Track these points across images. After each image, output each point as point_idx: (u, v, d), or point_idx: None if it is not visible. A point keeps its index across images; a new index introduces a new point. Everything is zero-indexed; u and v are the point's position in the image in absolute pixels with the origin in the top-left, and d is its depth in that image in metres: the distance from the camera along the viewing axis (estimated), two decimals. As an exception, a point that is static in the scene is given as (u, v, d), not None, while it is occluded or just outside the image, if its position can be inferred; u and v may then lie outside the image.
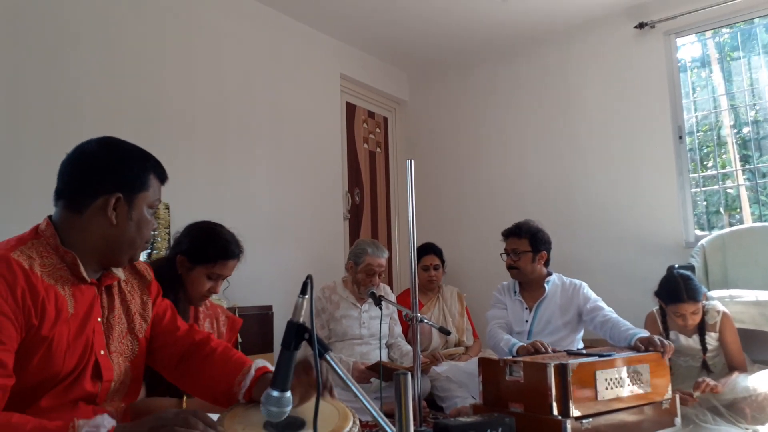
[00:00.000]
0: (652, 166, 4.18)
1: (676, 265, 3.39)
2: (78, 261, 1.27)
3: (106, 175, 1.30)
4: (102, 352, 1.29)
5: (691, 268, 3.68)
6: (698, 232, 4.09)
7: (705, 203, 4.25)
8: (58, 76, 2.88)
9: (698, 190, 4.21)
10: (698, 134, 4.29)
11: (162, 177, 1.40)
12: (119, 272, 1.39)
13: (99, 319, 1.31)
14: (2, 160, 2.65)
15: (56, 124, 2.83)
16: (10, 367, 1.12)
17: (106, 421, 1.07)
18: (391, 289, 3.97)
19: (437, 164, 5.17)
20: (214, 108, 3.62)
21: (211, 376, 1.44)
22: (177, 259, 2.02)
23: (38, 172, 2.66)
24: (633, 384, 2.43)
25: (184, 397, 1.94)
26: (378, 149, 5.24)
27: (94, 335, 1.28)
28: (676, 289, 2.79)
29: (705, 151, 4.31)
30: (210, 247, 2.01)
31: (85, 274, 1.28)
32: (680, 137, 4.18)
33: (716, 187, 4.19)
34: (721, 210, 4.21)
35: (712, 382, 2.60)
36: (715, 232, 3.85)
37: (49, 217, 1.32)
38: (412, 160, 2.58)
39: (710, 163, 4.27)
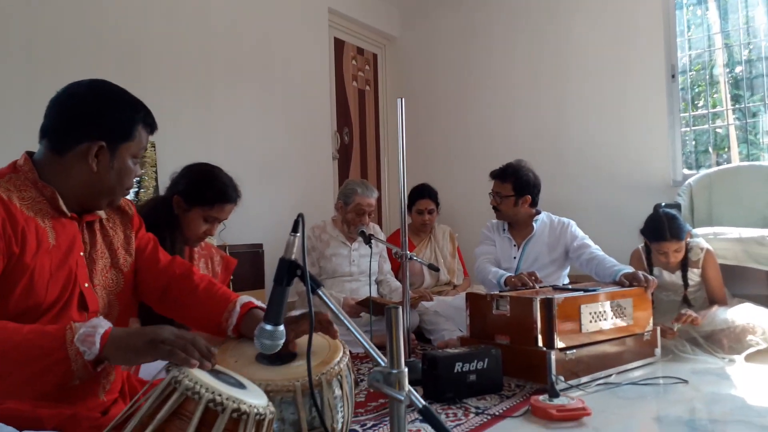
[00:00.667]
0: (644, 105, 4.16)
1: (663, 204, 3.44)
2: (57, 195, 1.27)
3: (92, 121, 1.28)
4: (86, 285, 1.31)
5: (678, 206, 3.73)
6: (686, 171, 4.13)
7: (694, 142, 4.26)
8: (40, 12, 2.76)
9: (688, 129, 4.21)
10: (690, 73, 4.25)
11: (152, 127, 1.37)
12: (100, 211, 1.39)
13: (81, 254, 1.32)
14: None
15: (37, 62, 2.75)
16: None
17: (102, 323, 1.09)
18: (381, 229, 4.00)
19: (428, 103, 5.10)
20: (200, 45, 3.52)
21: (198, 313, 1.47)
22: (174, 199, 2.01)
23: (18, 110, 2.60)
24: (616, 317, 2.51)
25: (180, 331, 1.98)
26: (367, 87, 5.15)
27: (78, 268, 1.29)
28: (660, 228, 2.85)
29: (696, 90, 4.28)
30: (208, 189, 2.00)
31: (64, 208, 1.28)
32: (673, 76, 4.14)
33: (706, 126, 4.19)
34: (710, 149, 4.23)
35: (693, 314, 2.69)
36: (703, 171, 3.88)
37: (28, 153, 1.31)
38: (403, 99, 2.54)
39: (701, 103, 4.25)
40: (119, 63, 3.02)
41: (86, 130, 1.27)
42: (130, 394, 1.40)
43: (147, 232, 1.53)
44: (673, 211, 2.99)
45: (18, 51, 2.71)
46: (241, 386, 1.13)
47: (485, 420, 1.90)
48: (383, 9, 5.14)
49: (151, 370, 1.67)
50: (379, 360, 1.07)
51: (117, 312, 1.38)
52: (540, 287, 2.76)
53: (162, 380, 1.05)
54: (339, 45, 4.80)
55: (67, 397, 1.22)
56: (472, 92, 4.92)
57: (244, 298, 1.45)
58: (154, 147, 3.10)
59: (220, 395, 1.01)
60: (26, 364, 1.06)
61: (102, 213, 1.39)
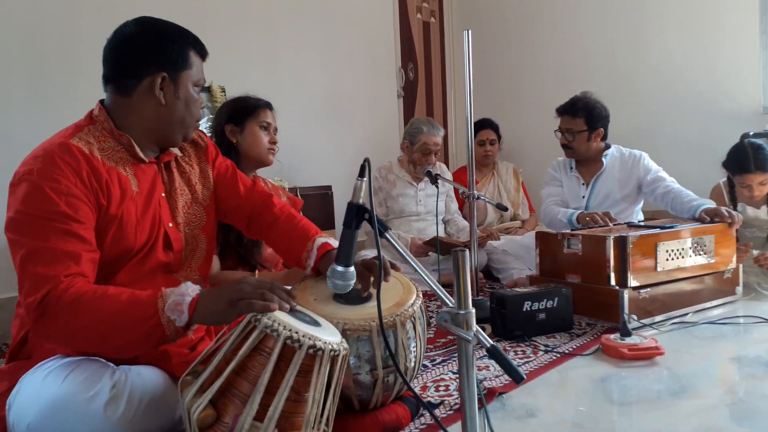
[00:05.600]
0: (732, 24, 3.80)
1: (750, 134, 3.21)
2: (133, 142, 1.32)
3: (149, 55, 1.31)
4: (170, 225, 1.38)
5: (767, 135, 3.48)
6: (779, 97, 3.79)
7: (790, 65, 3.89)
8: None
9: (784, 50, 3.84)
10: (790, -13, 3.82)
11: (202, 53, 1.39)
12: (175, 149, 1.45)
13: (162, 194, 1.38)
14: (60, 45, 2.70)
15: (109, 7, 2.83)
16: (94, 243, 1.21)
17: (191, 289, 1.16)
18: (447, 166, 3.97)
19: (496, 34, 4.88)
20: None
21: (279, 247, 1.55)
22: (226, 130, 2.16)
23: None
24: (696, 255, 2.42)
25: (256, 271, 2.08)
26: (432, 19, 4.98)
27: (161, 209, 1.36)
28: (745, 159, 2.69)
29: (796, 6, 3.86)
30: (245, 102, 2.20)
31: (141, 155, 1.34)
32: (768, -9, 3.74)
33: (805, 45, 3.80)
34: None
35: None
36: (799, 97, 3.56)
37: (101, 101, 1.36)
38: (470, 31, 2.45)
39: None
40: (186, 11, 3.05)
41: (146, 65, 1.31)
42: (215, 330, 1.50)
43: None
44: (760, 141, 2.79)
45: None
46: (317, 324, 1.19)
47: (554, 358, 1.91)
48: (447, -65, 4.89)
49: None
50: (447, 301, 1.09)
51: (205, 245, 1.46)
52: (613, 224, 2.68)
53: (243, 318, 1.12)
54: (402, -24, 4.63)
55: None
56: (542, 21, 4.66)
57: (321, 239, 1.49)
58: (224, 91, 3.16)
59: (297, 332, 1.07)
60: (124, 332, 1.13)
61: (177, 151, 1.44)
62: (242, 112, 2.17)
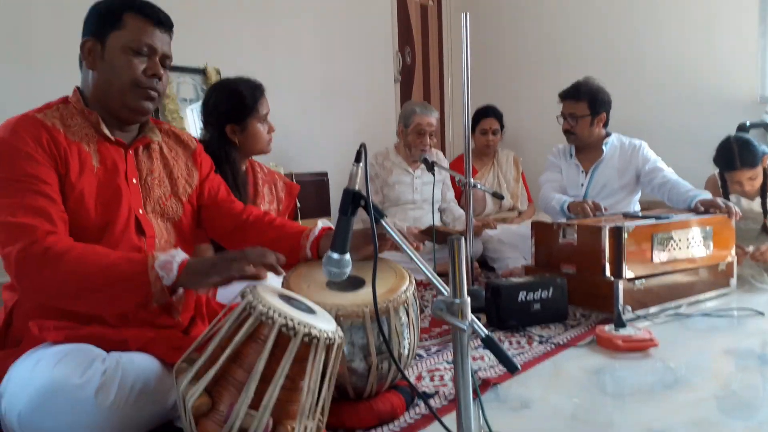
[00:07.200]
0: (730, 12, 3.77)
1: (748, 123, 3.20)
2: (100, 119, 1.33)
3: (85, 25, 1.33)
4: (140, 211, 1.37)
5: (764, 125, 3.48)
6: (776, 87, 3.78)
7: (789, 55, 3.87)
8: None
9: (783, 40, 3.82)
10: (791, -24, 3.80)
11: (148, 15, 1.33)
12: (154, 135, 1.43)
13: (134, 180, 1.37)
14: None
15: None
16: (62, 204, 1.23)
17: (181, 253, 1.19)
18: (444, 154, 3.94)
19: (495, 18, 4.83)
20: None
21: (273, 238, 1.52)
22: (227, 131, 2.05)
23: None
24: (693, 246, 2.42)
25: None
26: (430, 2, 4.92)
27: (131, 194, 1.35)
28: (730, 156, 2.70)
29: (797, -5, 3.83)
30: (243, 99, 2.05)
31: (107, 132, 1.33)
32: (768, -20, 3.71)
33: (805, 37, 3.78)
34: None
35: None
36: (796, 87, 3.55)
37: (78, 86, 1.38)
38: (467, 13, 2.42)
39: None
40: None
41: (84, 32, 1.33)
42: (209, 316, 1.49)
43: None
44: (746, 136, 2.77)
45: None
46: (312, 312, 1.18)
47: (549, 349, 1.91)
48: None
49: (227, 294, 1.76)
50: (442, 289, 1.08)
51: (174, 239, 1.44)
52: (608, 215, 2.67)
53: (238, 305, 1.11)
54: (400, -42, 4.57)
55: (146, 319, 1.31)
56: (541, 6, 4.61)
57: (321, 222, 1.54)
58: (219, 73, 3.12)
59: (292, 320, 1.06)
60: (111, 285, 1.16)
61: (155, 136, 1.43)
62: (243, 111, 2.05)
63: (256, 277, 1.17)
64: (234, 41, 3.25)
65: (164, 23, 1.35)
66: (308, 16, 3.76)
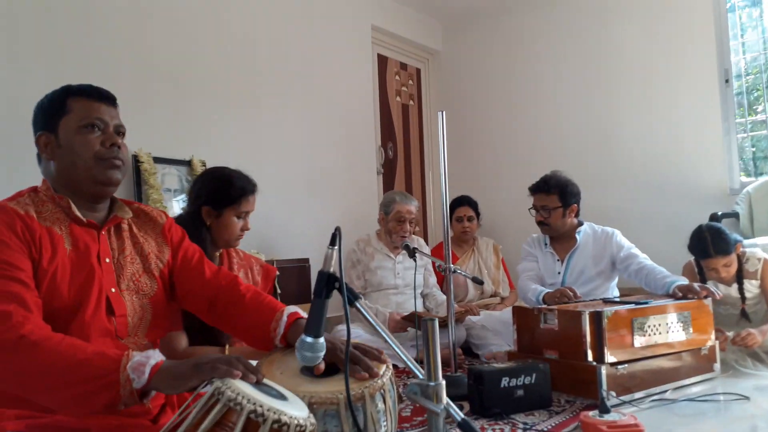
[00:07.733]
0: (696, 111, 4.02)
1: (719, 213, 3.30)
2: (71, 203, 1.35)
3: (34, 122, 1.40)
4: (113, 290, 1.36)
5: (736, 215, 3.58)
6: (744, 179, 3.95)
7: (753, 149, 4.08)
8: (93, 40, 2.90)
9: (746, 135, 4.04)
10: (747, 78, 4.09)
11: (89, 93, 1.39)
12: (124, 213, 1.45)
13: (107, 260, 1.38)
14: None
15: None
16: (36, 291, 1.23)
17: (156, 354, 1.15)
18: (426, 242, 4.00)
19: (472, 116, 5.08)
20: (246, 61, 3.61)
21: (246, 322, 1.49)
22: (203, 211, 2.08)
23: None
24: (673, 331, 2.42)
25: (227, 346, 2.03)
26: (411, 102, 5.18)
27: (103, 274, 1.35)
28: (704, 245, 2.75)
29: (755, 94, 4.11)
30: (230, 188, 2.08)
31: (78, 214, 1.35)
32: (726, 81, 3.99)
33: (765, 131, 4.00)
34: (770, 155, 4.04)
35: (752, 331, 2.57)
36: (762, 179, 3.71)
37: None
38: (444, 112, 2.55)
39: (760, 107, 4.08)
40: (166, 84, 3.11)
41: (35, 130, 1.39)
42: (178, 403, 1.43)
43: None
44: (717, 225, 2.86)
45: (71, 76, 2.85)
46: (283, 398, 1.15)
47: (532, 436, 1.86)
48: (426, 23, 5.17)
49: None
50: (417, 372, 1.07)
51: (150, 316, 1.43)
52: (589, 300, 2.69)
53: (206, 393, 1.08)
54: (382, 61, 4.86)
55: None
56: (514, 104, 4.88)
57: (291, 308, 1.47)
58: (204, 165, 3.19)
59: (261, 406, 1.03)
60: (79, 383, 1.11)
61: (125, 214, 1.45)
62: (224, 200, 2.08)
63: (230, 375, 1.10)
64: (220, 134, 3.35)
65: (107, 98, 1.42)
66: (294, 110, 3.92)
